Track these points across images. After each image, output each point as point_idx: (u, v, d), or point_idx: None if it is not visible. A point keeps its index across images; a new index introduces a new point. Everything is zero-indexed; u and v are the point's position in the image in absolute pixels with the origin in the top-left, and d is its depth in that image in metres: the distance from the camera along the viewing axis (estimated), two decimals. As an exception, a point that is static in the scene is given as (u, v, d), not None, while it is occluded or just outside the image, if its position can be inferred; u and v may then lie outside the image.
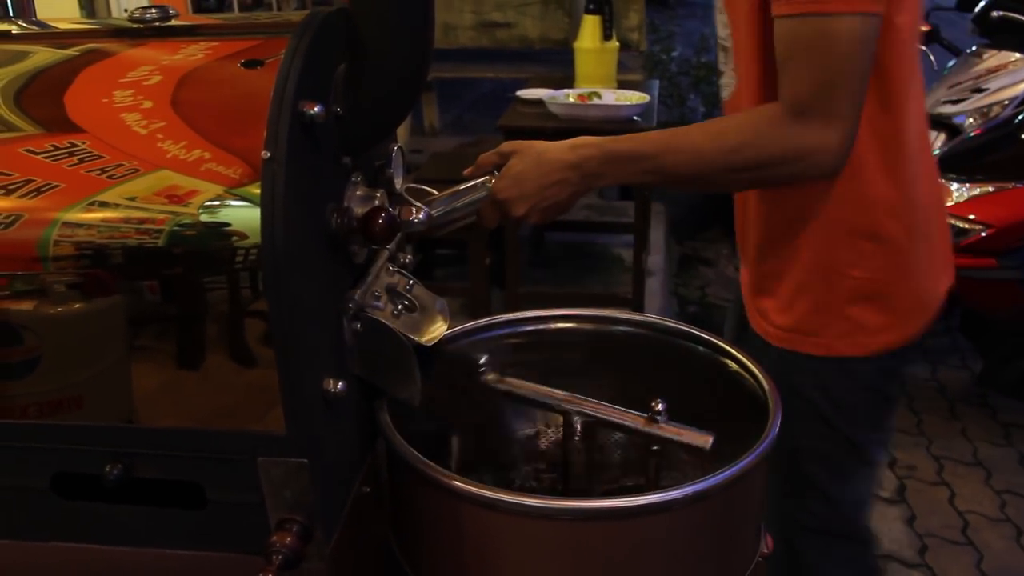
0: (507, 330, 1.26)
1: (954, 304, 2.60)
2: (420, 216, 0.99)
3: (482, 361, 1.05)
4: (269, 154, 0.77)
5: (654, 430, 1.00)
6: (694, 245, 4.37)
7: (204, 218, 0.79)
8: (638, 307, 3.24)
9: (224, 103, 0.87)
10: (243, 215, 0.78)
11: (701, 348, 1.19)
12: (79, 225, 0.80)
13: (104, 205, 0.81)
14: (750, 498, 0.98)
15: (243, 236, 0.79)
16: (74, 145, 0.84)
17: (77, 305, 0.84)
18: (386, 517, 1.07)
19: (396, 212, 0.97)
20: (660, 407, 0.98)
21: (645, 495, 0.86)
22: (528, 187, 1.23)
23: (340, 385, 0.88)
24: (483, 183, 1.22)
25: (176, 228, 0.79)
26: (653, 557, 0.90)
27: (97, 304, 0.84)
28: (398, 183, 1.07)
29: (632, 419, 1.02)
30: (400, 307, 1.00)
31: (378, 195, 0.96)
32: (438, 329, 1.03)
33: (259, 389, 0.84)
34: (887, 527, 2.35)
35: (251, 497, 0.87)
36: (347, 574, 0.95)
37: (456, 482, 0.89)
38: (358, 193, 0.95)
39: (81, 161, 0.83)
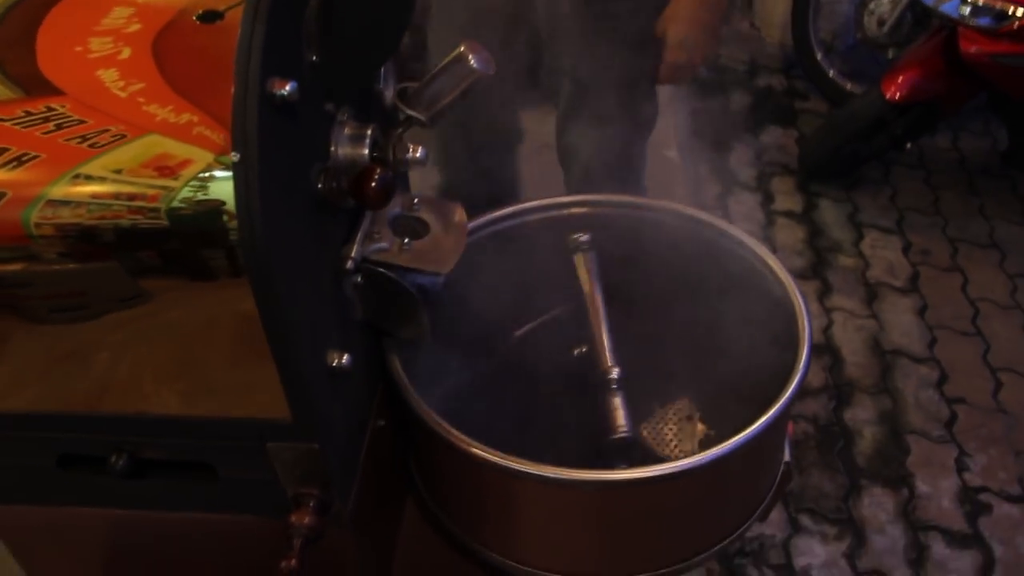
0: (517, 220, 1.18)
1: (984, 87, 2.45)
2: (419, 154, 0.88)
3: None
4: (239, 156, 0.67)
5: None
6: None
7: (198, 196, 0.70)
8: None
9: (203, 61, 0.75)
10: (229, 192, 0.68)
11: (725, 242, 1.12)
12: (64, 203, 0.71)
13: (89, 179, 0.71)
14: (778, 437, 0.95)
15: (233, 217, 0.70)
16: (51, 109, 0.73)
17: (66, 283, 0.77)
18: (402, 441, 1.05)
19: (391, 158, 0.86)
20: None
21: (667, 464, 0.84)
22: (712, 28, 1.35)
23: (345, 359, 0.83)
24: (458, 55, 1.06)
25: (170, 207, 0.70)
26: (678, 509, 0.89)
27: (87, 283, 0.77)
28: (389, 96, 0.95)
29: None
30: (406, 239, 0.92)
31: (369, 132, 0.86)
32: (454, 251, 0.94)
33: (261, 374, 0.79)
34: (898, 319, 2.36)
35: (264, 475, 0.85)
36: (371, 522, 0.96)
37: (476, 450, 0.86)
38: (346, 133, 0.85)
39: (58, 128, 0.72)
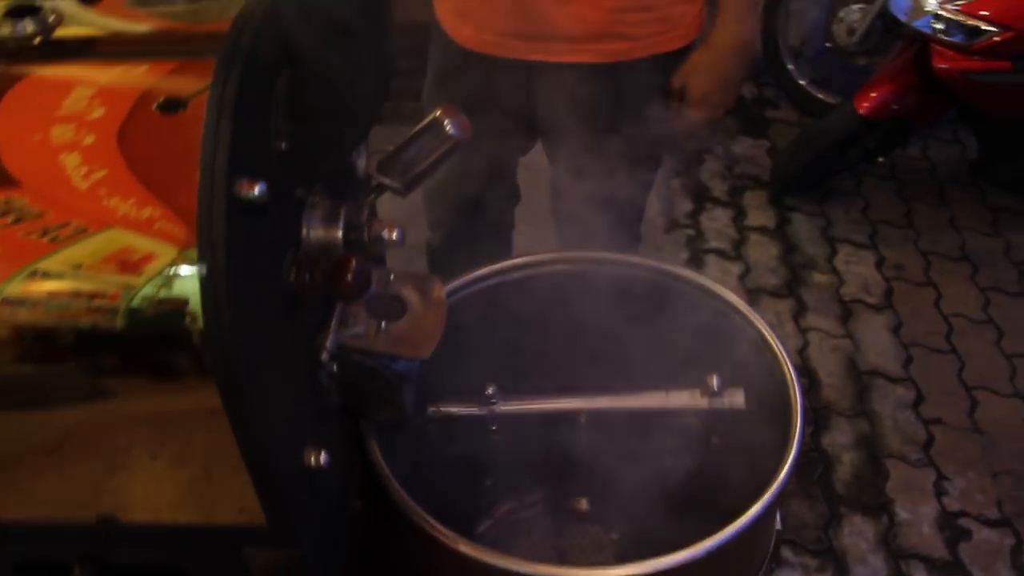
0: (496, 280, 1.14)
1: (956, 101, 2.45)
2: (395, 236, 0.83)
3: (489, 391, 0.94)
4: (206, 268, 0.62)
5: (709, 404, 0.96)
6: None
7: (160, 294, 0.64)
8: None
9: (170, 150, 0.70)
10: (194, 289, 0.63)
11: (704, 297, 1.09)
12: (19, 303, 0.66)
13: (47, 276, 0.66)
14: (770, 517, 0.92)
15: (196, 318, 0.65)
16: (10, 202, 0.67)
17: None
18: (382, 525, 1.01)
19: (366, 239, 0.82)
20: (716, 380, 0.94)
21: (665, 558, 0.80)
22: (734, 84, 1.32)
23: (323, 458, 0.79)
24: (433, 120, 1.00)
25: (130, 307, 0.65)
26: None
27: (46, 381, 0.71)
28: (362, 165, 0.90)
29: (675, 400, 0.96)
30: (383, 322, 0.87)
31: (342, 212, 0.81)
32: (433, 333, 0.90)
33: (235, 478, 0.75)
34: (873, 337, 2.35)
35: (239, 578, 0.80)
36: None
37: (463, 547, 0.82)
38: (318, 215, 0.80)
39: (17, 221, 0.67)
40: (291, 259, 0.75)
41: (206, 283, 0.62)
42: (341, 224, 0.80)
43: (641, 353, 1.03)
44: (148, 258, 0.64)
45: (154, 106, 0.68)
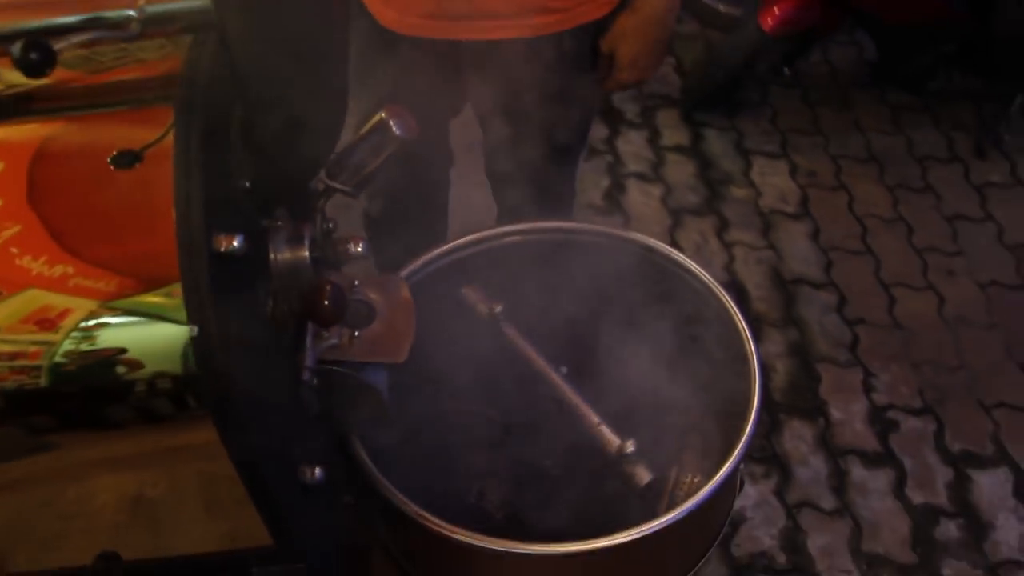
0: (456, 255, 1.16)
1: (853, 9, 2.51)
2: (360, 248, 0.85)
3: (498, 310, 1.05)
4: (197, 330, 0.63)
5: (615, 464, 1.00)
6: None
7: (83, 347, 0.65)
8: None
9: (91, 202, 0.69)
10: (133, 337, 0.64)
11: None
12: None
13: None
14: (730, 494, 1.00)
15: (138, 366, 0.66)
16: None
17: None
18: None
19: (332, 255, 0.83)
20: (631, 448, 0.96)
21: (623, 534, 0.87)
22: (662, 46, 1.32)
23: (318, 472, 0.82)
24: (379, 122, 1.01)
25: (52, 363, 0.65)
26: (644, 561, 0.93)
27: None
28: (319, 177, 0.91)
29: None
30: (356, 331, 0.90)
31: (306, 232, 0.82)
32: (405, 335, 0.92)
33: (236, 506, 0.77)
34: (794, 245, 2.45)
35: (250, 596, 0.84)
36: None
37: (446, 531, 0.87)
38: (284, 238, 0.81)
39: None
40: (266, 290, 0.77)
41: (199, 342, 0.63)
42: (307, 244, 0.82)
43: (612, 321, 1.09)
44: (64, 314, 0.65)
45: (107, 160, 0.68)
